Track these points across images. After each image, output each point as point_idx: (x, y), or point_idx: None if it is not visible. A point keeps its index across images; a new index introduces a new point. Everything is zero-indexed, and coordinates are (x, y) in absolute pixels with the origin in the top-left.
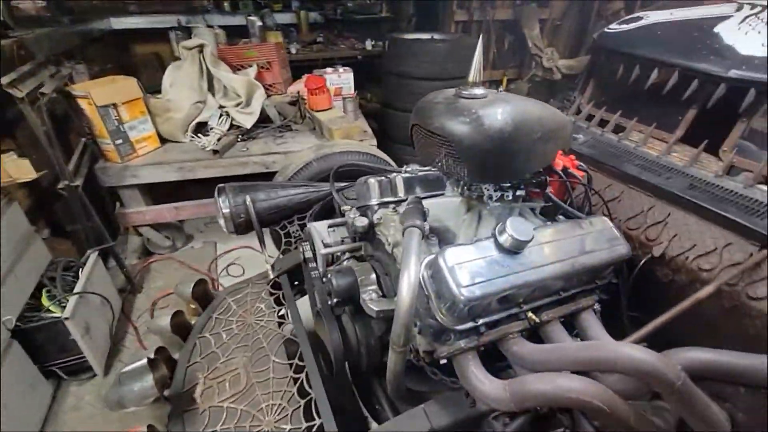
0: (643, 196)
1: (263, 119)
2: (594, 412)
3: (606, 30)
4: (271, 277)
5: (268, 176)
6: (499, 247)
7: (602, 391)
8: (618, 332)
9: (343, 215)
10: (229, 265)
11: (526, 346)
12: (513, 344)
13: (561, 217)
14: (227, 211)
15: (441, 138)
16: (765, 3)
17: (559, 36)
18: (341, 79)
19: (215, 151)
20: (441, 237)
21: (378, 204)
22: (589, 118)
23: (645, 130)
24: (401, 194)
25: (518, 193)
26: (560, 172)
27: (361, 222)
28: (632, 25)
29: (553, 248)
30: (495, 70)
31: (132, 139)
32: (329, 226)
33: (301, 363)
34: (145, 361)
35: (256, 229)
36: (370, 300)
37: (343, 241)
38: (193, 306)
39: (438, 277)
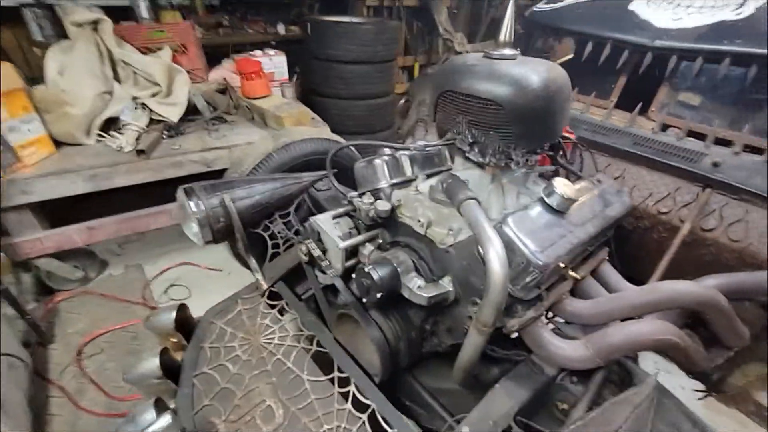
0: (599, 156)
1: (188, 111)
2: (670, 347)
3: (535, 9)
4: (266, 287)
5: (210, 176)
6: (549, 208)
7: (672, 329)
8: None
9: (349, 203)
10: (169, 288)
11: (581, 303)
12: (567, 305)
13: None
14: (202, 216)
15: (486, 102)
16: None
17: (457, 24)
18: (273, 63)
19: (140, 152)
20: None
21: (389, 186)
22: None
23: (586, 99)
24: (409, 173)
25: (536, 158)
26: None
27: (384, 206)
28: (559, 4)
29: (587, 206)
30: (407, 56)
31: (14, 144)
32: (333, 218)
33: (342, 374)
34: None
35: (239, 234)
36: (418, 288)
37: (350, 232)
38: (174, 340)
39: (509, 246)
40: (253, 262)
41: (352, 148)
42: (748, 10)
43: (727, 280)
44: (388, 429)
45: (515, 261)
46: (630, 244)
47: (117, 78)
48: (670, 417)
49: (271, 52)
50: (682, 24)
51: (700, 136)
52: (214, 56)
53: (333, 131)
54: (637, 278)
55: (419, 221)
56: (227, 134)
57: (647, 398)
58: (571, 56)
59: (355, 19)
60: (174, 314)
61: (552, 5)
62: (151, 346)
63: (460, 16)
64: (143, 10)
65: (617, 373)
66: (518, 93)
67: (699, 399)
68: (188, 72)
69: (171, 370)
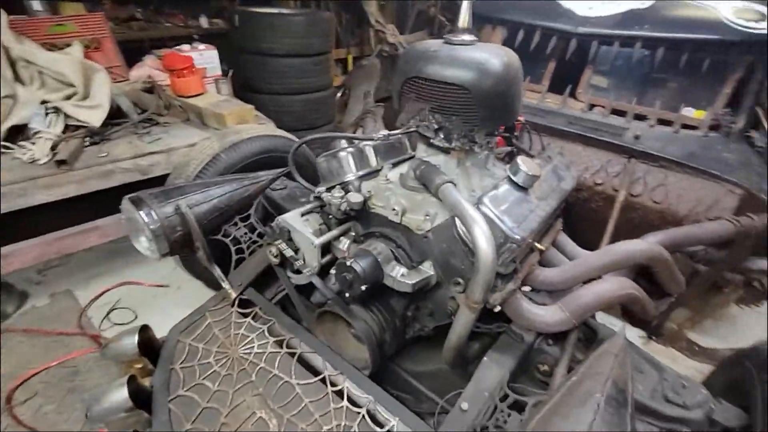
0: (538, 137)
1: (111, 114)
2: (631, 300)
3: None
4: (235, 295)
5: (147, 185)
6: (516, 186)
7: (631, 284)
8: None
9: (317, 199)
10: (110, 313)
11: (550, 272)
12: (538, 275)
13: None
14: (156, 226)
15: (452, 86)
16: None
17: (384, 15)
18: (204, 59)
19: (60, 162)
20: None
21: (357, 178)
22: None
23: (522, 84)
24: (374, 164)
25: (494, 139)
26: None
27: (357, 198)
28: None
29: (545, 181)
30: (340, 48)
31: None
32: (302, 215)
33: (333, 373)
34: None
35: (200, 242)
36: (402, 276)
37: (321, 228)
38: (139, 366)
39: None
40: (217, 271)
41: (304, 145)
42: None
43: (663, 237)
44: (389, 419)
45: (494, 238)
46: (572, 215)
47: (19, 79)
48: (634, 362)
49: (201, 46)
50: (597, 12)
51: (622, 113)
52: (128, 53)
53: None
54: (582, 245)
55: (393, 210)
56: (162, 137)
57: (623, 347)
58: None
59: (286, 10)
60: (136, 338)
61: None
62: (100, 380)
63: (387, 8)
64: (35, 2)
65: (584, 332)
66: (483, 76)
67: (641, 341)
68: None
69: (142, 399)
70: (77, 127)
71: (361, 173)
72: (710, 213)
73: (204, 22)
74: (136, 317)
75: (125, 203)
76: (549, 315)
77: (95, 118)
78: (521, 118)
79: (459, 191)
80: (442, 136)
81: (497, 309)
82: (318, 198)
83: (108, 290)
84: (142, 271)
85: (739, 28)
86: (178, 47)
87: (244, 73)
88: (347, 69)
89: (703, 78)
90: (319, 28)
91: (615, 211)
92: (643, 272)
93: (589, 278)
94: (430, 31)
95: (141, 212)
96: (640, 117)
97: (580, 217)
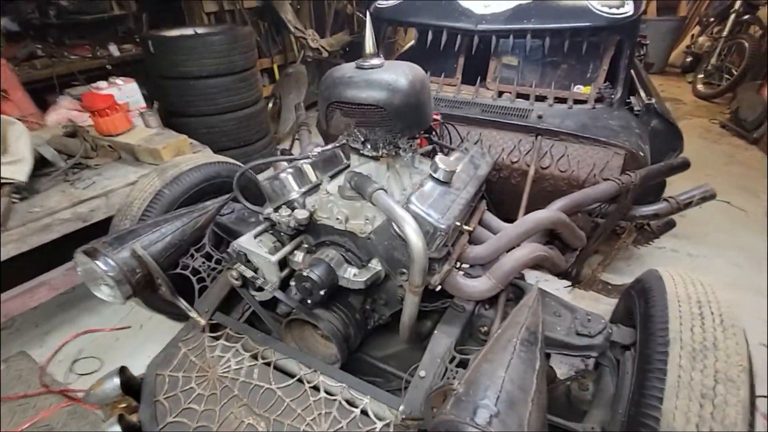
0: (460, 127)
1: (37, 165)
2: (541, 260)
3: (378, 5)
4: (204, 322)
5: (90, 231)
6: (437, 181)
7: (540, 247)
8: None
9: (267, 220)
10: (73, 365)
11: (478, 248)
12: (469, 252)
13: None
14: (115, 272)
15: (370, 107)
16: None
17: (302, 20)
18: (125, 93)
19: None
20: None
21: (301, 195)
22: None
23: (438, 80)
24: (314, 179)
25: (417, 141)
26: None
27: (303, 214)
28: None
29: (464, 172)
30: (264, 59)
31: None
32: (255, 237)
33: (307, 371)
34: None
35: (160, 279)
36: (354, 275)
37: (275, 246)
38: (123, 405)
39: (418, 221)
40: (183, 303)
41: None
42: None
43: (565, 202)
44: (362, 398)
45: (425, 230)
46: (495, 192)
47: None
48: (552, 309)
49: (119, 80)
50: (492, 9)
51: (526, 96)
52: (36, 94)
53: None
54: (507, 216)
55: (338, 219)
56: (96, 180)
57: (535, 299)
58: (413, 43)
59: (202, 30)
60: (117, 379)
61: (391, 2)
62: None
63: (303, 11)
64: None
65: (513, 292)
66: (393, 95)
67: (567, 290)
68: (20, 120)
69: None
70: (2, 185)
71: (303, 189)
72: (604, 173)
73: (114, 50)
74: (102, 364)
75: (79, 256)
76: (480, 285)
77: (20, 173)
78: (437, 117)
79: (392, 192)
80: (369, 146)
81: (438, 288)
82: (268, 219)
83: (66, 343)
84: (99, 317)
85: (603, 14)
86: (95, 85)
87: (168, 99)
88: (275, 78)
89: (584, 58)
90: (240, 44)
91: (527, 184)
92: (552, 235)
93: (510, 248)
94: (350, 30)
95: (97, 262)
96: (540, 98)
97: (503, 192)
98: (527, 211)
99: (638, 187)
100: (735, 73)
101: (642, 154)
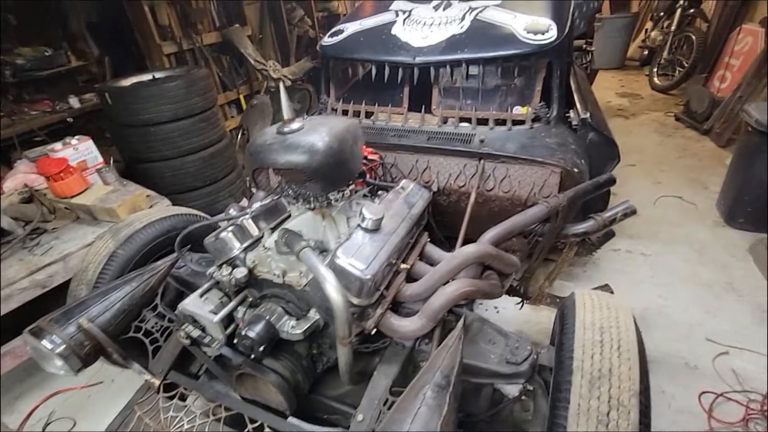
0: (409, 156)
1: None
2: (469, 294)
3: (323, 43)
4: (158, 382)
5: (50, 296)
6: (366, 230)
7: (467, 281)
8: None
9: (211, 278)
10: (47, 427)
11: (413, 286)
12: (406, 291)
13: (381, 191)
14: (62, 349)
15: (291, 170)
16: (410, 7)
17: (266, 49)
18: (80, 152)
19: None
20: (316, 247)
21: (242, 252)
22: (345, 113)
23: (386, 110)
24: (255, 233)
25: (350, 188)
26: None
27: (242, 272)
28: (340, 37)
29: (396, 214)
30: (229, 91)
31: None
32: (201, 296)
33: (255, 423)
34: None
35: (111, 349)
36: (292, 327)
37: (222, 301)
38: None
39: (343, 273)
40: (136, 367)
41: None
42: (466, 23)
43: (497, 231)
44: None
45: (351, 282)
46: (448, 215)
47: None
48: (488, 336)
49: (73, 140)
50: (429, 41)
51: (469, 119)
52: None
53: (174, 192)
54: (463, 240)
55: (275, 274)
56: (54, 244)
57: (457, 338)
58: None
59: (160, 75)
60: None
61: (335, 39)
62: None
63: (267, 40)
64: None
65: (454, 320)
66: (312, 156)
67: (520, 308)
68: None
69: None
70: None
71: (244, 245)
72: (543, 192)
73: (75, 102)
74: (75, 424)
75: (26, 337)
76: (412, 325)
77: None
78: (375, 157)
79: (328, 241)
80: (301, 201)
81: (374, 331)
82: (212, 277)
83: (39, 405)
84: (69, 376)
85: (530, 41)
86: (50, 147)
87: (131, 146)
88: (243, 108)
89: (520, 81)
90: (197, 86)
91: (468, 207)
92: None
93: (444, 283)
94: (311, 56)
95: (44, 341)
96: (483, 121)
97: (455, 214)
98: (478, 231)
99: (567, 208)
100: (686, 65)
101: (577, 170)
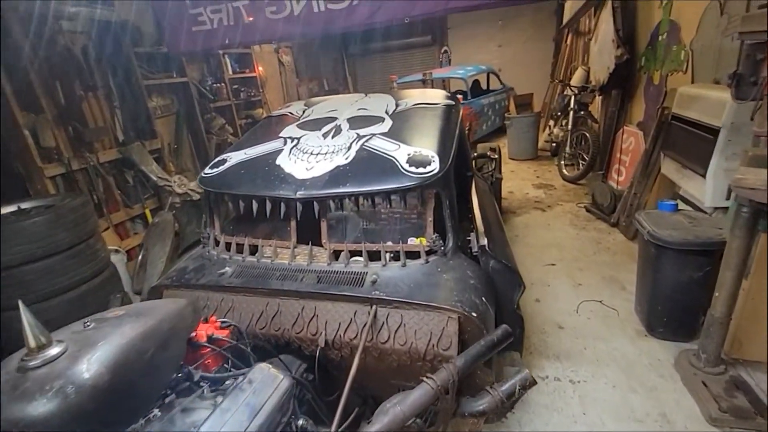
0: (294, 302)
1: None
2: None
3: (203, 175)
4: None
5: None
6: None
7: None
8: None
9: None
10: None
11: None
12: None
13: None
14: None
15: None
16: (299, 134)
17: (183, 157)
18: None
19: None
20: None
21: None
22: (228, 246)
23: (272, 245)
24: None
25: (167, 401)
26: (207, 344)
27: None
28: (221, 168)
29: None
30: (130, 207)
31: None
32: None
33: None
34: None
35: None
36: None
37: None
38: None
39: None
40: None
41: None
42: (352, 153)
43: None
44: None
45: None
46: (343, 370)
47: None
48: None
49: None
50: (313, 173)
51: (361, 253)
52: None
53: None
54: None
55: None
56: None
57: None
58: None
59: (12, 209)
60: None
61: (215, 171)
62: None
63: (184, 149)
64: None
65: None
66: (54, 410)
67: None
68: None
69: None
70: None
71: None
72: (442, 342)
73: None
74: None
75: None
76: None
77: None
78: (226, 334)
79: None
80: None
81: None
82: None
83: None
84: None
85: (412, 175)
86: None
87: None
88: (148, 223)
89: (411, 213)
90: (67, 219)
91: (355, 361)
92: None
93: None
94: None
95: None
96: (375, 254)
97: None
98: (381, 389)
99: (458, 382)
100: (587, 159)
101: (476, 314)
